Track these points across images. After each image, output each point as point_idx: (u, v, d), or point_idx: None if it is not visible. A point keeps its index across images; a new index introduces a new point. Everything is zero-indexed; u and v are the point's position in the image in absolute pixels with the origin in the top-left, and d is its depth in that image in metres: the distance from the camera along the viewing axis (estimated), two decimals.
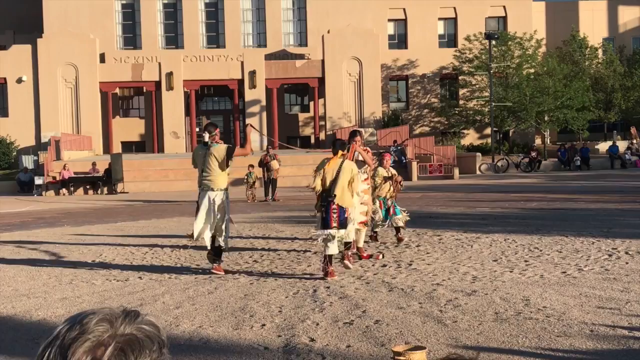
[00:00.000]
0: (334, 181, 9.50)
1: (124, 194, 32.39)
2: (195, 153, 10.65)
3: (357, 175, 9.84)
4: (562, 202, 20.00)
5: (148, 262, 11.46)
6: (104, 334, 1.13)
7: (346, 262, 9.61)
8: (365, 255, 11.00)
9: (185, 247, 12.51)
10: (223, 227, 10.08)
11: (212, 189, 10.08)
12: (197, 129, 43.90)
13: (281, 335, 6.59)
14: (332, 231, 9.39)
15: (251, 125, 11.25)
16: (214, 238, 10.14)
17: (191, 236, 10.40)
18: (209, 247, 10.19)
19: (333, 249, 9.42)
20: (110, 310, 1.18)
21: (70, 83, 43.03)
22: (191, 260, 11.41)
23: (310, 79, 43.99)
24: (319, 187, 9.58)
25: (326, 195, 9.52)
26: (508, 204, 19.95)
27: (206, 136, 10.34)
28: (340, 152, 9.75)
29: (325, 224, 9.47)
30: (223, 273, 9.95)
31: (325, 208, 9.50)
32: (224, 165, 10.08)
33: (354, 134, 10.89)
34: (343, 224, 9.52)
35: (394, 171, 13.21)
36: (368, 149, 11.84)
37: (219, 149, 10.13)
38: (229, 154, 10.07)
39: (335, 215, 9.44)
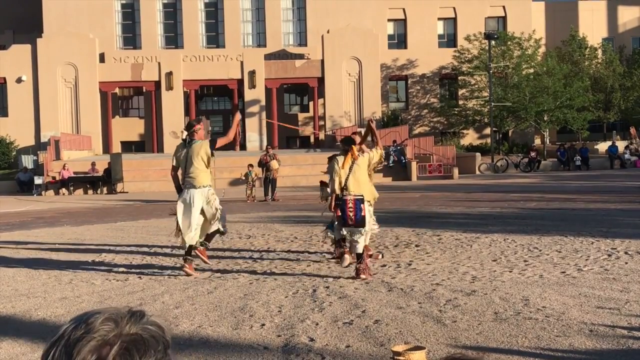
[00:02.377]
0: (350, 176, 9.42)
1: (123, 193, 32.40)
2: (176, 152, 10.36)
3: (375, 157, 9.75)
4: (561, 202, 20.01)
5: (148, 262, 11.46)
6: (109, 333, 1.14)
7: (362, 276, 9.31)
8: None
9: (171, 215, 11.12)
10: (216, 216, 9.98)
11: (195, 186, 9.92)
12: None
13: (281, 335, 6.59)
14: (350, 229, 9.34)
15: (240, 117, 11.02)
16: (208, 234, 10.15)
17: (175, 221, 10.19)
18: (187, 245, 9.96)
19: (360, 246, 9.31)
20: (115, 310, 1.18)
21: (70, 83, 43.03)
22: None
23: (309, 79, 44.01)
24: (338, 191, 9.46)
25: (341, 193, 9.42)
26: (507, 204, 19.95)
27: (184, 134, 10.23)
28: (354, 148, 9.61)
29: (343, 222, 9.39)
30: (194, 273, 9.88)
31: (341, 207, 9.44)
32: (207, 161, 9.91)
33: (352, 141, 10.49)
34: (360, 221, 9.34)
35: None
36: (364, 148, 11.62)
37: (201, 145, 9.96)
38: (212, 146, 9.91)
39: (352, 214, 9.37)
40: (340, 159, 9.61)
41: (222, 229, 10.15)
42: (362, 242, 9.41)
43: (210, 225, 10.08)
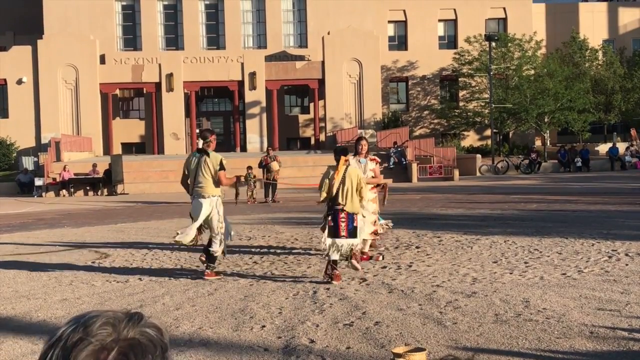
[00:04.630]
0: (340, 188, 9.39)
1: (124, 195, 32.40)
2: (188, 160, 10.27)
3: (364, 181, 9.67)
4: (562, 204, 20.00)
5: (148, 264, 11.45)
6: (107, 337, 1.14)
7: (353, 262, 9.36)
8: (365, 257, 10.96)
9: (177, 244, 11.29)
10: (217, 232, 9.93)
11: (204, 196, 9.87)
12: (197, 130, 43.90)
13: (281, 337, 6.59)
14: (341, 240, 9.25)
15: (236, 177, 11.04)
16: (210, 241, 10.05)
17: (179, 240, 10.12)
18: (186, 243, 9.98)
19: (336, 254, 9.33)
20: (113, 314, 1.18)
21: (71, 84, 43.06)
22: (191, 261, 11.40)
23: (310, 81, 44.02)
24: (323, 197, 9.41)
25: (333, 204, 9.37)
26: (508, 206, 19.95)
27: (200, 143, 10.17)
28: (343, 159, 9.60)
29: (334, 233, 9.33)
30: (215, 277, 9.87)
31: (333, 216, 9.39)
32: (215, 175, 9.85)
33: (344, 152, 10.10)
34: (352, 233, 9.34)
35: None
36: (377, 158, 11.54)
37: (214, 158, 9.88)
38: (221, 168, 9.83)
39: (343, 224, 9.31)
40: (333, 169, 9.55)
41: (223, 249, 10.05)
42: (360, 241, 9.48)
43: (212, 240, 9.99)
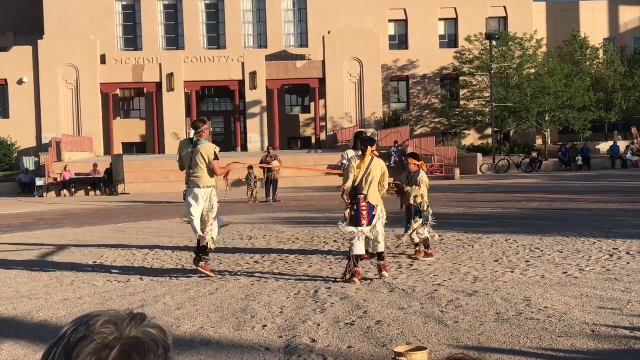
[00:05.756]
0: (365, 178, 9.39)
1: (125, 195, 32.41)
2: (181, 149, 10.32)
3: (387, 173, 9.70)
4: (563, 203, 19.99)
5: (149, 264, 11.45)
6: (109, 336, 1.14)
7: (384, 272, 9.34)
8: (365, 256, 10.93)
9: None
10: (210, 224, 9.94)
11: (199, 186, 9.94)
12: None
13: (282, 336, 6.59)
14: (363, 229, 9.29)
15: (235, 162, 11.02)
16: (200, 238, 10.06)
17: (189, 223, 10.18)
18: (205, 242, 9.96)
19: (360, 248, 9.26)
20: (116, 313, 1.18)
21: (71, 84, 43.07)
22: (192, 261, 11.38)
23: (311, 80, 44.02)
24: (349, 186, 9.37)
25: (355, 193, 9.38)
26: (509, 205, 19.93)
27: (192, 133, 10.16)
28: (369, 149, 9.50)
29: (355, 222, 9.33)
30: (210, 273, 9.87)
31: (354, 206, 9.39)
32: (210, 165, 9.91)
33: (371, 142, 9.92)
34: (372, 222, 9.38)
35: (424, 178, 11.77)
36: (375, 151, 11.55)
37: (207, 148, 9.92)
38: (215, 158, 9.89)
39: (365, 213, 9.33)
40: (355, 161, 9.50)
41: (210, 244, 10.04)
42: (383, 241, 9.47)
43: (205, 230, 9.98)
